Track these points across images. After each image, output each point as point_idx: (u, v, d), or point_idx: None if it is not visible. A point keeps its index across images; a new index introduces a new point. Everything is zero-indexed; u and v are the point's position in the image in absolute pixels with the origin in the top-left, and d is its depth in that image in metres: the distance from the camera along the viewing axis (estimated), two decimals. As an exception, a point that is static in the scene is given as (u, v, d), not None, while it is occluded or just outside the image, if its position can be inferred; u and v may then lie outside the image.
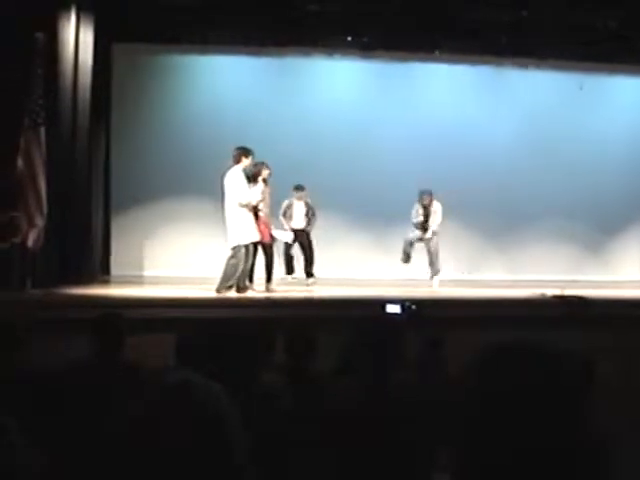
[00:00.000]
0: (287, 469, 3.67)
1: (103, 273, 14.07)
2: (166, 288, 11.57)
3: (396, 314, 4.54)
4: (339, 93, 15.47)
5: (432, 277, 13.37)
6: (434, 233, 13.31)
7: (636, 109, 16.47)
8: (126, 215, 14.51)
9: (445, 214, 15.28)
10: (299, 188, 12.81)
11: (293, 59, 15.31)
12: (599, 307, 10.40)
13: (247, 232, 10.84)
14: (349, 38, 14.73)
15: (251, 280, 11.68)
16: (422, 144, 15.41)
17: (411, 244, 13.50)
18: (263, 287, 11.66)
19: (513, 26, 14.20)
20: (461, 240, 15.60)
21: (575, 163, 15.89)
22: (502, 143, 15.72)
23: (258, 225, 11.21)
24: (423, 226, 13.31)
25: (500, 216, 15.63)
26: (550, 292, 11.28)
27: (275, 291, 11.54)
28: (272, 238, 11.82)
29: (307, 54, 15.24)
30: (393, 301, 4.65)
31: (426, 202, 13.25)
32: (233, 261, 10.81)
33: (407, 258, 13.55)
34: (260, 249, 11.53)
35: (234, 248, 10.86)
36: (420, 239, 13.41)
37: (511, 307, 10.44)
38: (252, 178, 11.11)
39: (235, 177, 10.84)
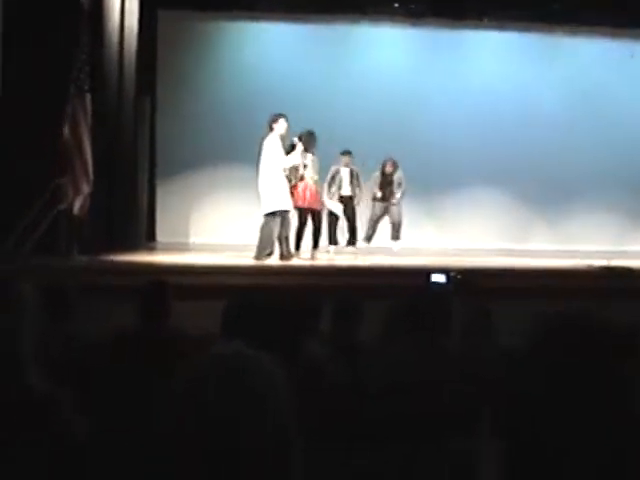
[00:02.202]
0: (334, 439, 3.66)
1: (148, 240, 14.15)
2: (211, 255, 11.60)
3: (442, 283, 4.49)
4: (387, 62, 15.33)
5: (394, 239, 13.13)
6: (397, 201, 12.99)
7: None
8: (172, 182, 14.56)
9: (491, 182, 15.23)
10: (346, 153, 12.56)
11: (340, 27, 15.14)
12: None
13: (279, 199, 10.81)
14: (397, 5, 14.56)
15: (298, 248, 11.69)
16: (470, 113, 15.29)
17: (376, 222, 13.14)
18: (309, 254, 11.67)
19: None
20: (507, 209, 15.51)
21: (624, 134, 15.64)
22: (550, 112, 15.52)
23: (301, 192, 11.25)
24: (384, 196, 12.95)
25: (547, 186, 15.46)
26: (598, 263, 11.13)
27: (319, 259, 11.53)
28: (322, 205, 11.82)
29: (355, 22, 15.08)
30: (439, 270, 4.60)
31: (389, 169, 12.92)
32: (266, 229, 10.82)
33: (370, 236, 13.17)
34: (309, 216, 11.56)
35: (266, 215, 10.87)
36: (384, 212, 13.08)
37: (558, 278, 10.34)
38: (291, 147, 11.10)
39: (269, 143, 10.83)
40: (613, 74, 15.80)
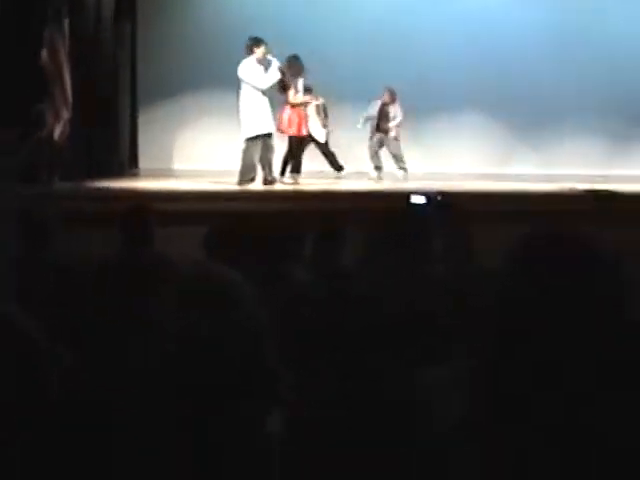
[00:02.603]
0: (317, 362, 3.67)
1: (131, 166, 14.03)
2: (194, 181, 11.54)
3: (422, 205, 4.45)
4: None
5: (400, 169, 13.12)
6: (395, 133, 12.95)
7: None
8: (154, 108, 14.37)
9: (476, 107, 15.15)
10: (306, 91, 12.16)
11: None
12: (630, 201, 10.27)
13: (259, 123, 10.71)
14: None
15: (283, 173, 11.64)
16: (457, 38, 15.06)
17: (376, 152, 13.07)
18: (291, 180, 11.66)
19: None
20: (492, 134, 15.46)
21: (606, 55, 15.49)
22: (536, 37, 15.31)
23: (287, 117, 11.22)
24: (380, 127, 12.88)
25: (532, 110, 15.35)
26: (580, 186, 11.13)
27: (301, 184, 11.50)
28: (307, 133, 11.75)
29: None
30: (419, 192, 4.56)
31: (386, 99, 12.83)
32: (248, 153, 10.75)
33: (378, 169, 13.12)
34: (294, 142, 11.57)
35: (247, 140, 10.80)
36: (382, 142, 13.03)
37: (541, 200, 10.34)
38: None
39: (246, 67, 10.71)
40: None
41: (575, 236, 1.73)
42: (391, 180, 12.78)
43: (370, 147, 13.02)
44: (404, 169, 13.05)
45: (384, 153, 13.23)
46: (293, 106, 11.44)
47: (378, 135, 12.92)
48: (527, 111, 15.35)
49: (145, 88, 14.29)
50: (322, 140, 12.33)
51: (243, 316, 1.56)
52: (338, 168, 12.77)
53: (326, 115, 12.55)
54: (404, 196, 4.40)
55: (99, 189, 10.67)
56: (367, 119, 12.92)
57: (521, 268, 1.75)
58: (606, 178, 13.49)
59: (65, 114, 10.53)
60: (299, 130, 11.48)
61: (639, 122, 15.95)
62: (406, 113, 13.79)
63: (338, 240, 4.89)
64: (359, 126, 12.93)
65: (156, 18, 14.27)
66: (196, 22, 14.43)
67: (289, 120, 11.41)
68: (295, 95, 11.43)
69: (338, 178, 12.55)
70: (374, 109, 12.85)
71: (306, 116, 11.61)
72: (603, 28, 15.55)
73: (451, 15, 15.18)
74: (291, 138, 11.62)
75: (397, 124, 12.92)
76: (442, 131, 15.29)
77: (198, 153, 14.33)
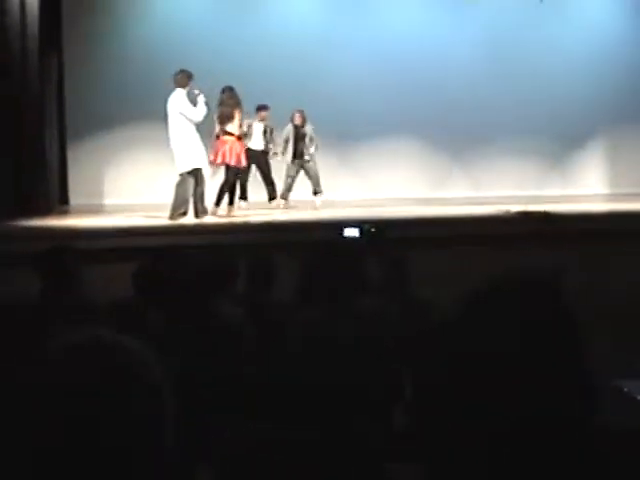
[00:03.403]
0: (250, 405, 3.52)
1: (62, 203, 13.74)
2: (124, 217, 11.33)
3: (355, 238, 4.35)
4: (296, 11, 15.10)
5: (315, 194, 12.96)
6: (311, 156, 12.76)
7: (594, 19, 16.27)
8: (83, 142, 14.09)
9: (405, 130, 15.17)
10: (262, 108, 12.39)
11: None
12: (563, 222, 10.32)
13: (192, 157, 10.59)
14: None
15: (231, 202, 11.50)
16: (381, 62, 15.15)
17: (293, 178, 12.89)
18: (225, 212, 11.51)
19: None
20: (423, 157, 15.48)
21: (535, 76, 15.75)
22: (463, 59, 15.45)
23: (227, 148, 11.12)
24: (297, 152, 12.71)
25: (463, 133, 15.46)
26: (514, 208, 11.16)
27: (234, 215, 11.37)
28: (245, 164, 11.65)
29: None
30: (351, 224, 4.45)
31: (298, 122, 12.68)
32: (181, 187, 10.64)
33: (286, 194, 12.97)
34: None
35: (180, 174, 10.66)
36: (300, 167, 12.83)
37: (476, 225, 10.32)
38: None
39: (175, 100, 10.58)
40: (522, 18, 15.77)
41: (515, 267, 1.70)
42: (308, 207, 12.70)
43: (287, 172, 12.86)
44: (320, 192, 12.93)
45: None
46: (237, 137, 11.30)
47: (297, 160, 12.77)
48: (460, 134, 15.45)
49: (73, 122, 14.00)
50: (259, 148, 12.30)
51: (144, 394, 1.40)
52: (273, 198, 12.67)
53: (272, 136, 12.52)
54: (338, 227, 4.30)
55: (22, 228, 10.35)
56: (285, 144, 12.75)
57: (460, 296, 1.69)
58: (540, 199, 13.65)
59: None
60: (238, 161, 11.34)
61: (573, 143, 16.21)
62: (337, 140, 13.76)
63: (268, 274, 4.75)
64: (279, 158, 12.79)
65: (82, 52, 14.03)
66: (122, 54, 14.21)
67: (230, 150, 11.25)
68: (237, 126, 11.30)
69: (271, 208, 12.46)
70: (289, 134, 12.72)
71: (239, 146, 11.46)
72: (531, 48, 15.74)
73: (379, 40, 15.20)
74: (229, 169, 11.46)
75: (313, 149, 12.77)
76: (373, 157, 15.28)
77: (129, 187, 14.09)
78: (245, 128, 11.99)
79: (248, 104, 11.98)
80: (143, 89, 13.53)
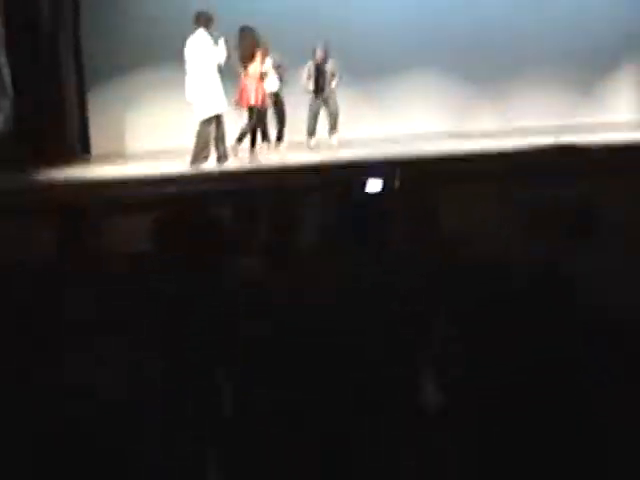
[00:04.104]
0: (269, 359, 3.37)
1: (83, 151, 13.56)
2: (146, 164, 11.19)
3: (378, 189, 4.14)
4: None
5: (331, 136, 12.81)
6: (331, 91, 12.57)
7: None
8: (102, 88, 13.81)
9: (430, 64, 14.81)
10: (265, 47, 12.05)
11: None
12: (598, 154, 10.00)
13: (212, 102, 10.43)
14: None
15: (253, 145, 11.42)
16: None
17: (315, 116, 12.71)
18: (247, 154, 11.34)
19: None
20: (450, 90, 15.13)
21: (560, 3, 15.23)
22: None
23: (245, 88, 10.90)
24: (318, 87, 12.51)
25: (491, 63, 15.06)
26: (545, 142, 10.80)
27: (257, 158, 11.20)
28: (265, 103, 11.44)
29: None
30: (375, 171, 4.21)
31: (319, 57, 12.48)
32: (202, 133, 10.51)
33: (312, 131, 12.76)
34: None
35: (203, 121, 10.51)
36: (323, 102, 12.65)
37: (506, 159, 10.02)
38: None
39: (194, 42, 10.35)
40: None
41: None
42: (325, 148, 12.50)
43: (310, 109, 12.67)
44: (336, 131, 12.77)
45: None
46: (259, 77, 11.09)
47: (318, 96, 12.53)
48: (486, 65, 15.05)
49: (90, 68, 13.74)
50: (275, 88, 12.03)
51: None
52: (279, 138, 12.51)
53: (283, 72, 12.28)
54: (363, 173, 4.09)
55: (39, 182, 10.17)
56: (309, 78, 12.51)
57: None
58: (572, 128, 13.34)
59: (4, 103, 10.08)
60: (263, 102, 11.24)
61: (602, 70, 15.84)
62: (357, 76, 13.43)
63: (291, 224, 4.55)
64: (310, 87, 12.53)
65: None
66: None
67: (255, 91, 11.11)
68: (258, 65, 11.15)
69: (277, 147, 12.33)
70: (311, 69, 12.47)
71: (261, 85, 11.26)
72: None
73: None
74: (252, 110, 11.26)
75: (335, 82, 12.51)
76: (397, 91, 14.87)
77: (150, 132, 13.81)
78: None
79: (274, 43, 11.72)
80: (161, 30, 13.19)
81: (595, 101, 15.85)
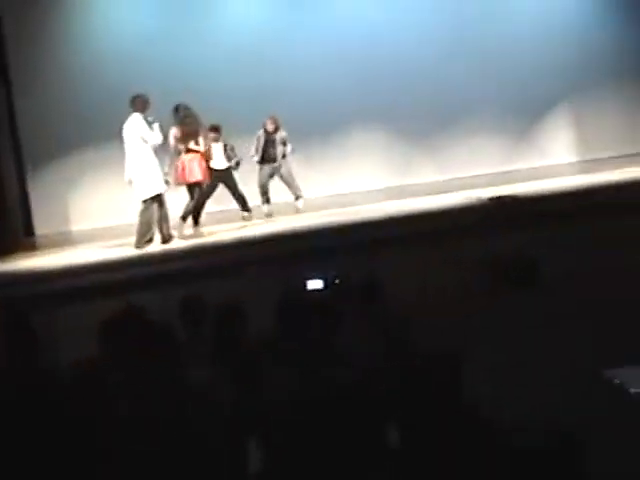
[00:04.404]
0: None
1: (27, 234, 13.47)
2: (91, 247, 11.12)
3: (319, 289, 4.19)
4: (244, 15, 14.75)
5: (296, 199, 12.86)
6: (284, 160, 12.68)
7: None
8: (42, 171, 13.83)
9: (369, 121, 14.98)
10: (213, 129, 12.01)
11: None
12: (532, 204, 10.23)
13: (153, 183, 10.42)
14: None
15: (197, 222, 11.36)
16: (338, 54, 14.84)
17: (265, 184, 12.75)
18: (192, 230, 11.30)
19: None
20: (390, 146, 15.30)
21: (493, 52, 15.54)
22: (423, 41, 15.21)
23: (187, 165, 10.95)
24: (269, 156, 12.61)
25: (428, 116, 15.24)
26: (485, 195, 10.98)
27: (203, 235, 11.15)
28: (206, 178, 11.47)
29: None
30: (315, 273, 4.25)
31: (270, 128, 12.58)
32: (145, 215, 10.47)
33: (265, 199, 12.78)
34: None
35: (143, 201, 10.48)
36: (272, 173, 12.74)
37: (446, 218, 10.13)
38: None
39: (131, 125, 10.37)
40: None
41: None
42: (290, 210, 12.63)
43: (260, 179, 12.75)
44: (300, 196, 12.85)
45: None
46: (201, 154, 11.24)
47: (268, 165, 12.65)
48: (424, 118, 15.23)
49: (29, 150, 13.72)
50: (223, 167, 12.04)
51: None
52: (246, 210, 12.49)
53: (233, 152, 12.26)
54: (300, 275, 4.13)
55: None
56: (257, 150, 12.65)
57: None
58: (507, 174, 13.57)
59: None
60: (205, 177, 11.28)
61: (538, 115, 16.09)
62: (300, 139, 13.59)
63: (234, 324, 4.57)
64: (255, 158, 12.65)
65: (31, 77, 13.69)
66: (73, 76, 13.91)
67: (197, 167, 11.15)
68: (202, 142, 11.27)
69: (245, 220, 12.30)
70: (260, 139, 12.61)
71: (204, 162, 11.32)
72: (484, 22, 15.54)
73: (332, 32, 14.95)
74: (195, 187, 11.33)
75: (289, 150, 12.65)
76: (337, 151, 15.08)
77: (92, 210, 13.78)
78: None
79: (210, 117, 11.85)
80: (98, 109, 13.25)
81: (531, 146, 16.09)
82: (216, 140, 11.99)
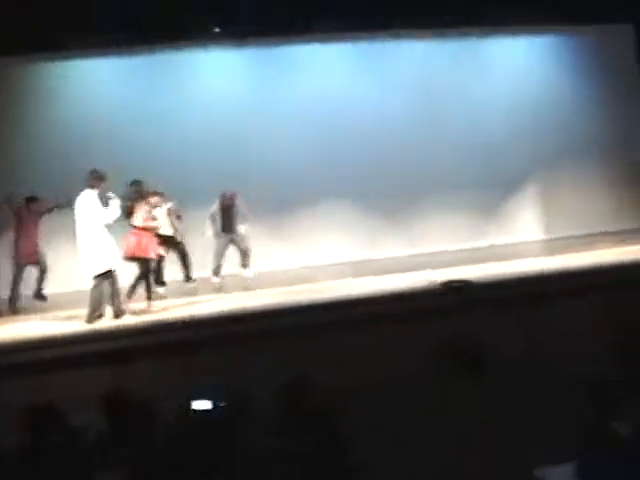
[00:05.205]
0: None
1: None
2: (42, 319, 11.01)
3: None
4: (218, 87, 14.94)
5: (244, 270, 12.92)
6: (242, 231, 12.76)
7: (513, 68, 16.31)
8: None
9: (336, 195, 15.07)
10: (154, 194, 11.92)
11: (164, 56, 14.50)
12: (485, 290, 10.24)
13: (105, 259, 10.34)
14: (217, 29, 14.03)
15: (149, 297, 11.18)
16: (308, 128, 15.05)
17: (221, 256, 12.84)
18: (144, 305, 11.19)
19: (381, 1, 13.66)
20: (357, 220, 15.36)
21: (462, 130, 15.73)
22: (389, 117, 15.41)
23: (135, 240, 10.91)
24: (227, 229, 12.71)
25: (395, 191, 15.38)
26: (440, 278, 10.94)
27: (153, 311, 11.01)
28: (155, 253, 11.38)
29: (179, 49, 14.45)
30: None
31: (227, 203, 12.69)
32: (96, 290, 10.37)
33: (217, 271, 12.85)
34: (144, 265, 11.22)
35: (95, 277, 10.45)
36: (229, 242, 12.81)
37: (398, 301, 10.11)
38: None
39: (84, 201, 10.33)
40: (443, 73, 15.78)
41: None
42: (238, 282, 12.60)
43: (216, 250, 12.79)
44: (248, 266, 12.89)
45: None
46: (142, 229, 11.14)
47: (224, 237, 12.71)
48: (391, 193, 15.38)
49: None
50: (169, 233, 12.15)
51: None
52: (189, 280, 12.63)
53: (179, 217, 12.40)
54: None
55: None
56: (212, 221, 12.68)
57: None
58: (476, 251, 13.68)
59: None
60: (146, 253, 11.14)
61: (506, 192, 16.25)
62: (267, 211, 13.66)
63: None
64: (209, 232, 12.71)
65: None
66: (32, 145, 13.90)
67: (137, 243, 11.08)
68: (143, 218, 11.17)
69: (191, 292, 12.31)
70: (215, 212, 12.71)
71: (154, 238, 11.30)
72: (455, 102, 15.75)
73: (303, 107, 15.15)
74: (140, 261, 11.24)
75: (246, 222, 12.75)
76: (305, 224, 15.18)
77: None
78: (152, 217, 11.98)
79: (176, 193, 12.07)
80: (48, 177, 13.14)
81: (500, 223, 16.18)
82: (160, 206, 11.99)
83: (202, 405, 4.00)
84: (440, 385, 7.43)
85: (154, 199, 11.64)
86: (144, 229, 11.14)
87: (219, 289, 12.47)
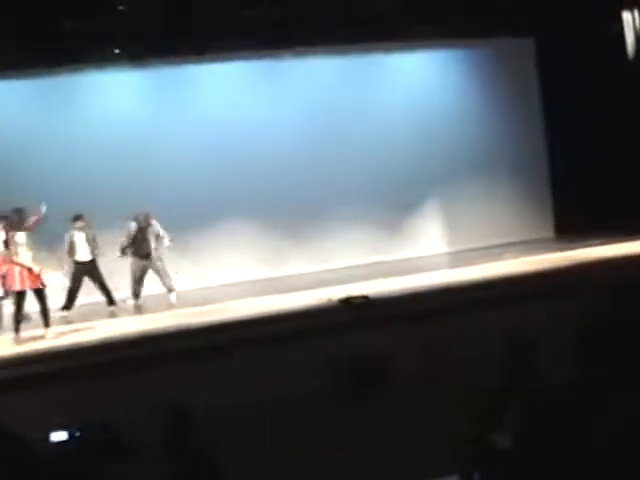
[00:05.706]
0: None
1: None
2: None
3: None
4: (115, 109, 14.81)
5: (169, 292, 12.80)
6: (158, 253, 12.70)
7: (413, 84, 16.54)
8: None
9: (241, 213, 15.03)
10: (78, 218, 12.07)
11: (61, 79, 14.31)
12: (384, 305, 10.30)
13: None
14: (117, 50, 13.88)
15: (17, 330, 10.47)
16: (208, 147, 15.03)
17: (140, 278, 12.76)
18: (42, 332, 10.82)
19: (281, 19, 13.67)
20: (262, 237, 15.33)
21: (364, 145, 15.90)
22: (291, 135, 15.51)
23: (17, 274, 10.40)
24: (142, 251, 12.61)
25: (298, 208, 15.43)
26: (338, 295, 10.96)
27: (22, 342, 10.35)
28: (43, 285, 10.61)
29: (76, 71, 14.28)
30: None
31: (142, 225, 12.59)
32: None
33: (137, 293, 12.81)
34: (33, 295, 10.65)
35: None
36: (145, 266, 12.72)
37: (296, 319, 10.08)
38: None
39: None
40: (344, 89, 15.98)
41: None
42: (163, 303, 12.51)
43: (133, 273, 12.68)
44: (172, 289, 12.79)
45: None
46: (9, 260, 10.47)
47: (140, 260, 12.55)
48: (292, 209, 15.45)
49: None
50: (87, 258, 12.03)
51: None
52: (112, 303, 12.48)
53: (95, 242, 12.19)
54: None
55: None
56: (128, 243, 12.53)
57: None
58: (379, 265, 13.68)
59: None
60: (34, 283, 10.54)
61: (406, 205, 16.34)
62: (172, 231, 13.56)
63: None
64: (118, 255, 12.53)
65: None
66: None
67: (20, 275, 10.41)
68: (15, 251, 10.41)
69: (112, 313, 12.25)
70: (131, 234, 12.57)
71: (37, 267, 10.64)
72: (356, 117, 15.90)
73: (203, 127, 15.16)
74: (20, 294, 10.53)
75: (165, 243, 12.67)
76: (209, 243, 15.16)
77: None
78: (67, 243, 11.99)
79: (69, 213, 11.90)
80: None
81: (403, 238, 16.34)
82: (80, 229, 11.83)
83: (70, 435, 3.92)
84: (336, 403, 7.46)
85: (80, 223, 11.51)
86: (10, 261, 10.43)
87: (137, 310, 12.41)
